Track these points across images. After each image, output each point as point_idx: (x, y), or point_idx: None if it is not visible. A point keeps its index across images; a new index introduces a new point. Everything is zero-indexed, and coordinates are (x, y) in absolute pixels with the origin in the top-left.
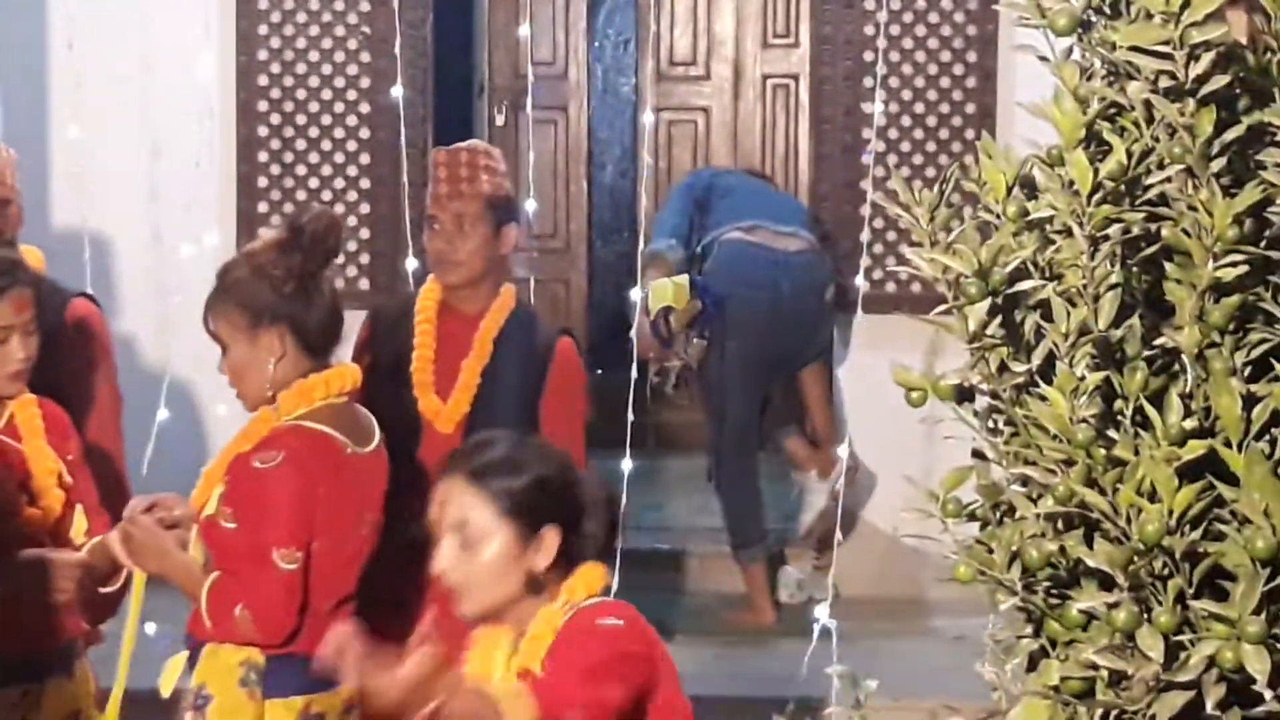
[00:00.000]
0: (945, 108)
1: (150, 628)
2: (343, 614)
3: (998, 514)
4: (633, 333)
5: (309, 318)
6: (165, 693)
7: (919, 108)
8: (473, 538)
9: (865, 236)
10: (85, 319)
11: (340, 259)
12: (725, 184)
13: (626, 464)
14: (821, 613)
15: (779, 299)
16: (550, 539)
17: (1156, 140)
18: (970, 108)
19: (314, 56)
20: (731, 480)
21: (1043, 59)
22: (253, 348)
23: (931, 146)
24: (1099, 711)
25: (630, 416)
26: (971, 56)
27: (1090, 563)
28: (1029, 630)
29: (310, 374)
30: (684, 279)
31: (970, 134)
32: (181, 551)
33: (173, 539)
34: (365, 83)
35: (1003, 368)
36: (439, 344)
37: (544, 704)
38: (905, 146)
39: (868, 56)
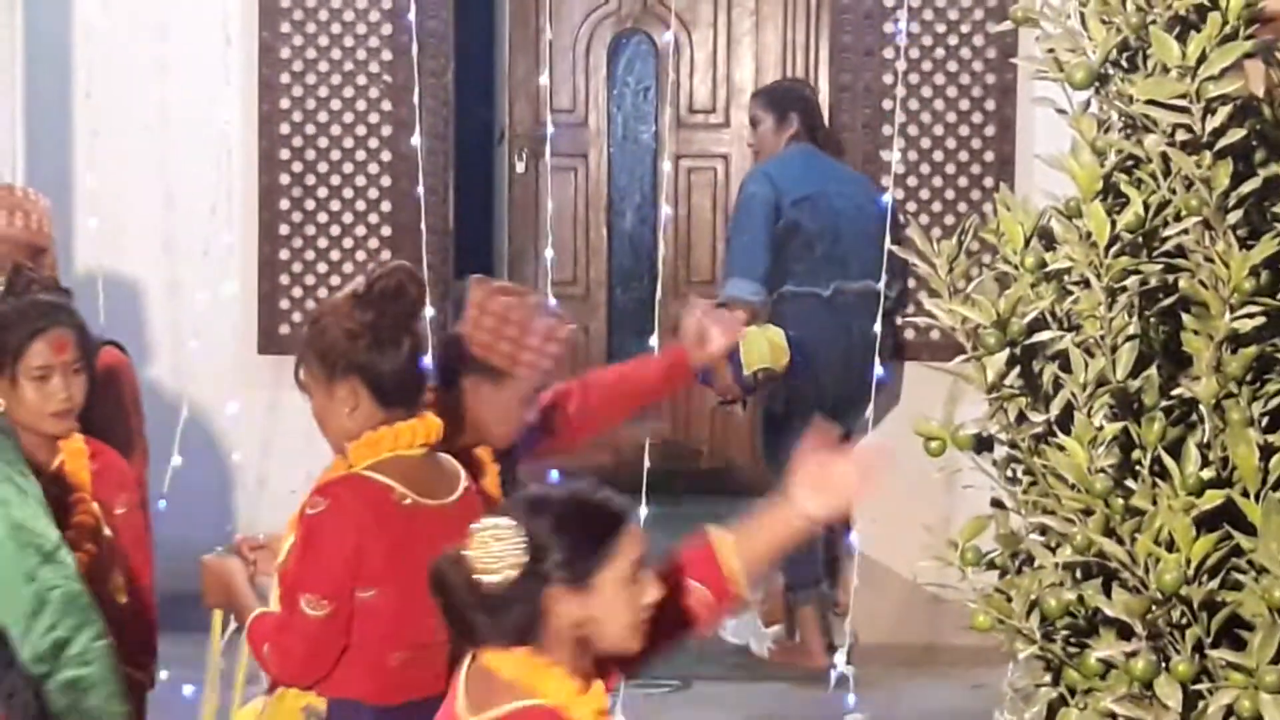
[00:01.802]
0: (964, 156)
1: (163, 674)
2: (422, 664)
3: (1016, 563)
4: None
5: (382, 370)
6: None
7: (938, 155)
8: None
9: (882, 283)
10: (114, 368)
11: None
12: (807, 230)
13: (644, 510)
14: (839, 658)
15: (851, 343)
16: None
17: (1174, 192)
18: (989, 156)
19: (336, 105)
20: None
21: (1060, 112)
22: (329, 399)
23: (950, 194)
24: None
25: (647, 463)
26: (990, 105)
27: (1108, 612)
28: (1047, 679)
29: (382, 425)
30: (780, 337)
31: (989, 182)
32: (249, 590)
33: (243, 576)
34: (386, 131)
35: (1021, 417)
36: None
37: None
38: (924, 194)
39: (886, 104)
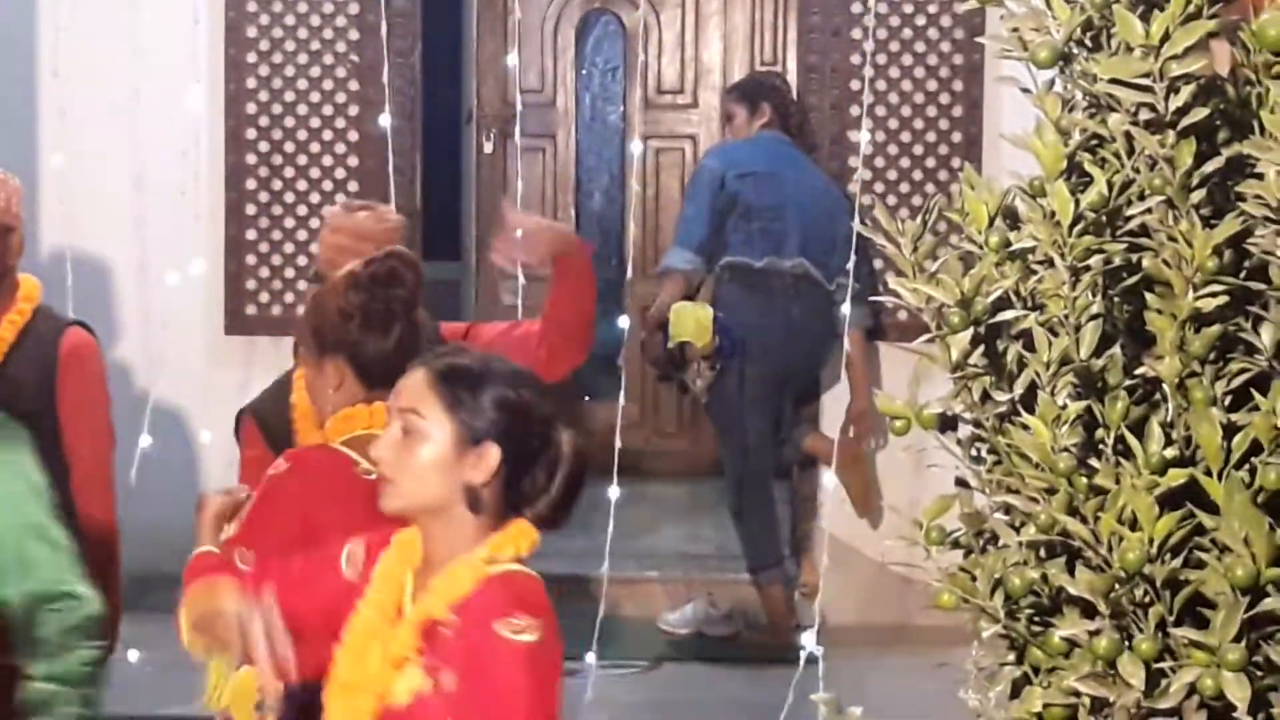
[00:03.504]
0: (932, 136)
1: (133, 654)
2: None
3: (981, 542)
4: (620, 361)
5: (368, 352)
6: (217, 710)
7: (905, 136)
8: (415, 428)
9: (850, 264)
10: (79, 349)
11: None
12: (748, 201)
13: (614, 491)
14: (808, 639)
15: (791, 323)
16: (490, 455)
17: (1137, 172)
18: (956, 136)
19: (302, 84)
20: (747, 503)
21: (1025, 91)
22: (318, 374)
23: (918, 175)
24: None
25: (618, 444)
26: (958, 86)
27: (1072, 590)
28: (1012, 658)
29: (362, 404)
30: (707, 313)
31: (956, 162)
32: (209, 531)
33: (212, 515)
34: (354, 111)
35: (985, 397)
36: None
37: None
38: (892, 175)
39: (854, 85)
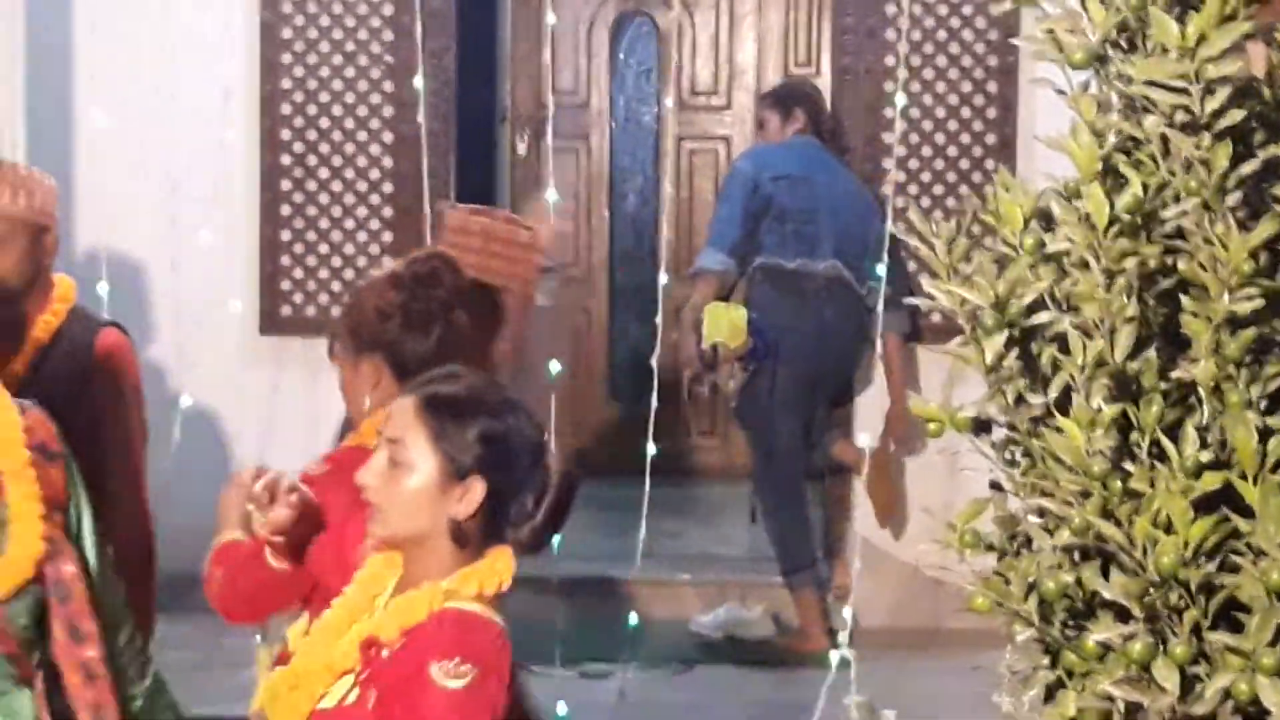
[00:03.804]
0: (966, 138)
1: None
2: None
3: (1015, 545)
4: (652, 362)
5: (406, 352)
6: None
7: (940, 138)
8: (402, 459)
9: (884, 267)
10: (114, 350)
11: None
12: (782, 203)
13: (646, 492)
14: (840, 642)
15: (823, 326)
16: (476, 490)
17: (1173, 174)
18: (991, 138)
19: (337, 85)
20: (779, 506)
21: (1060, 92)
22: (355, 373)
23: (952, 177)
24: None
25: (651, 447)
26: (992, 87)
27: (1106, 594)
28: (1046, 661)
29: None
30: (741, 315)
31: (991, 164)
32: (232, 518)
33: (237, 505)
34: (389, 112)
35: (1020, 400)
36: None
37: None
38: (926, 177)
39: (888, 87)
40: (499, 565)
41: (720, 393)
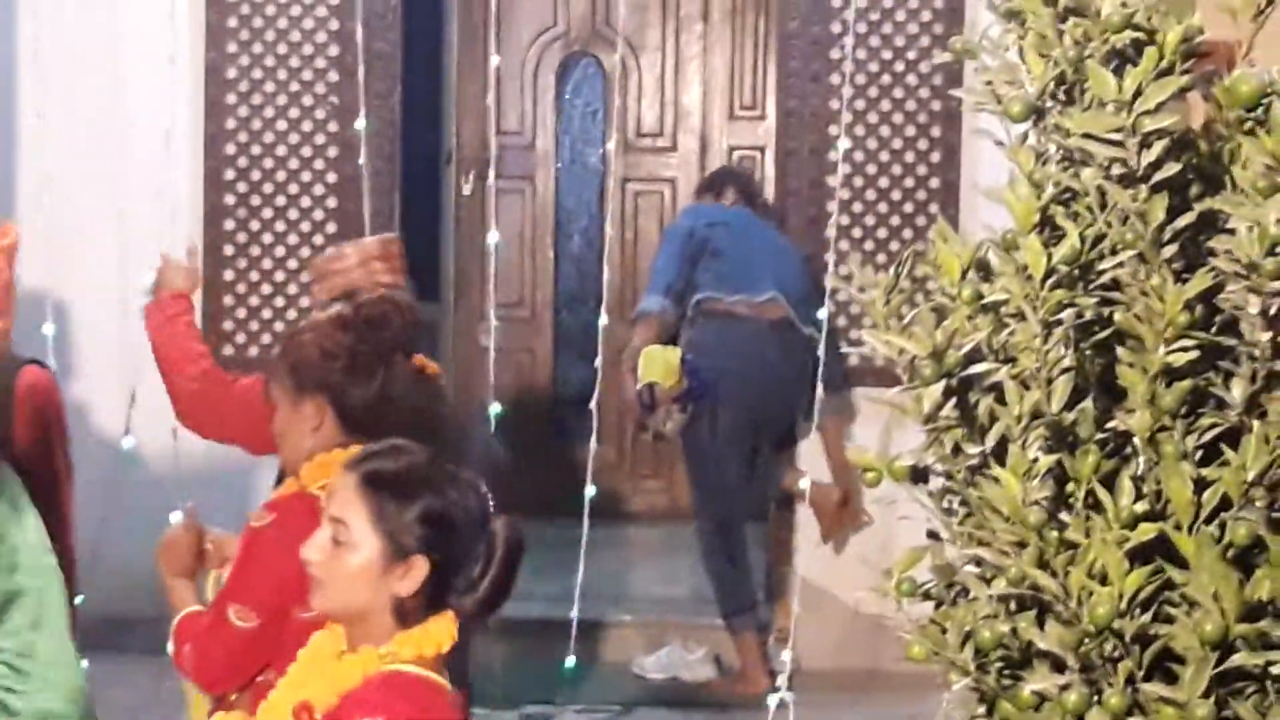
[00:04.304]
0: (910, 182)
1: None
2: None
3: (952, 594)
4: (592, 404)
5: (352, 396)
6: None
7: (884, 182)
8: (344, 539)
9: (826, 311)
10: (35, 386)
11: None
12: (717, 245)
13: (585, 534)
14: (780, 685)
15: (767, 368)
16: (418, 569)
17: (1110, 226)
18: (934, 182)
19: (281, 126)
20: (719, 548)
21: (999, 144)
22: (294, 413)
23: (895, 220)
24: None
25: (590, 489)
26: (936, 132)
27: (1042, 644)
28: (981, 710)
29: (338, 449)
30: (675, 354)
31: (934, 208)
32: (188, 586)
33: (192, 566)
34: (333, 152)
35: (957, 449)
36: None
37: None
38: (870, 220)
39: (833, 130)
40: (438, 629)
41: (663, 437)
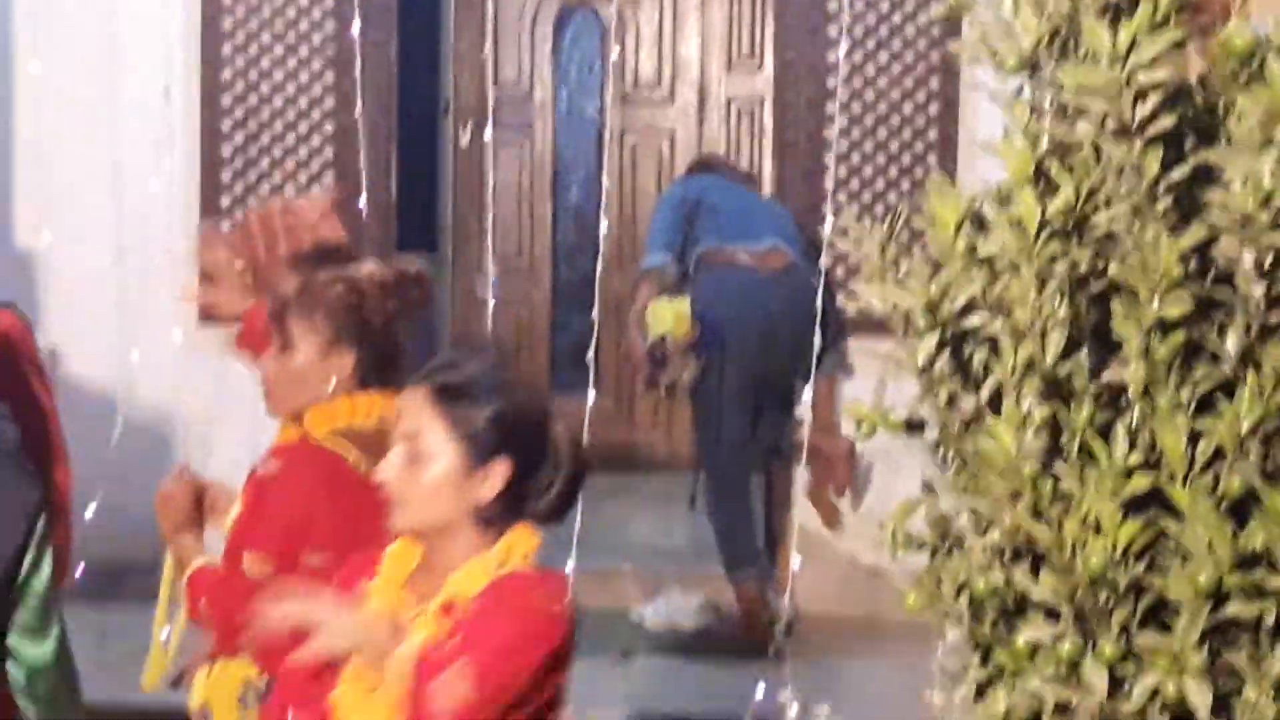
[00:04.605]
0: (908, 134)
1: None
2: None
3: (946, 545)
4: (590, 355)
5: (375, 354)
6: (193, 707)
7: (881, 133)
8: (420, 453)
9: (825, 262)
10: (9, 331)
11: None
12: (711, 201)
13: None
14: (778, 634)
15: (771, 317)
16: (498, 472)
17: (1104, 179)
18: (932, 134)
19: (278, 76)
20: (723, 499)
21: (994, 97)
22: (322, 361)
23: (894, 172)
24: None
25: (586, 437)
26: (934, 84)
27: (1036, 595)
28: (976, 660)
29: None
30: (684, 304)
31: (933, 160)
32: (194, 537)
33: (195, 518)
34: (329, 103)
35: (951, 401)
36: None
37: (430, 668)
38: (868, 172)
39: (830, 82)
40: (526, 535)
41: (675, 392)
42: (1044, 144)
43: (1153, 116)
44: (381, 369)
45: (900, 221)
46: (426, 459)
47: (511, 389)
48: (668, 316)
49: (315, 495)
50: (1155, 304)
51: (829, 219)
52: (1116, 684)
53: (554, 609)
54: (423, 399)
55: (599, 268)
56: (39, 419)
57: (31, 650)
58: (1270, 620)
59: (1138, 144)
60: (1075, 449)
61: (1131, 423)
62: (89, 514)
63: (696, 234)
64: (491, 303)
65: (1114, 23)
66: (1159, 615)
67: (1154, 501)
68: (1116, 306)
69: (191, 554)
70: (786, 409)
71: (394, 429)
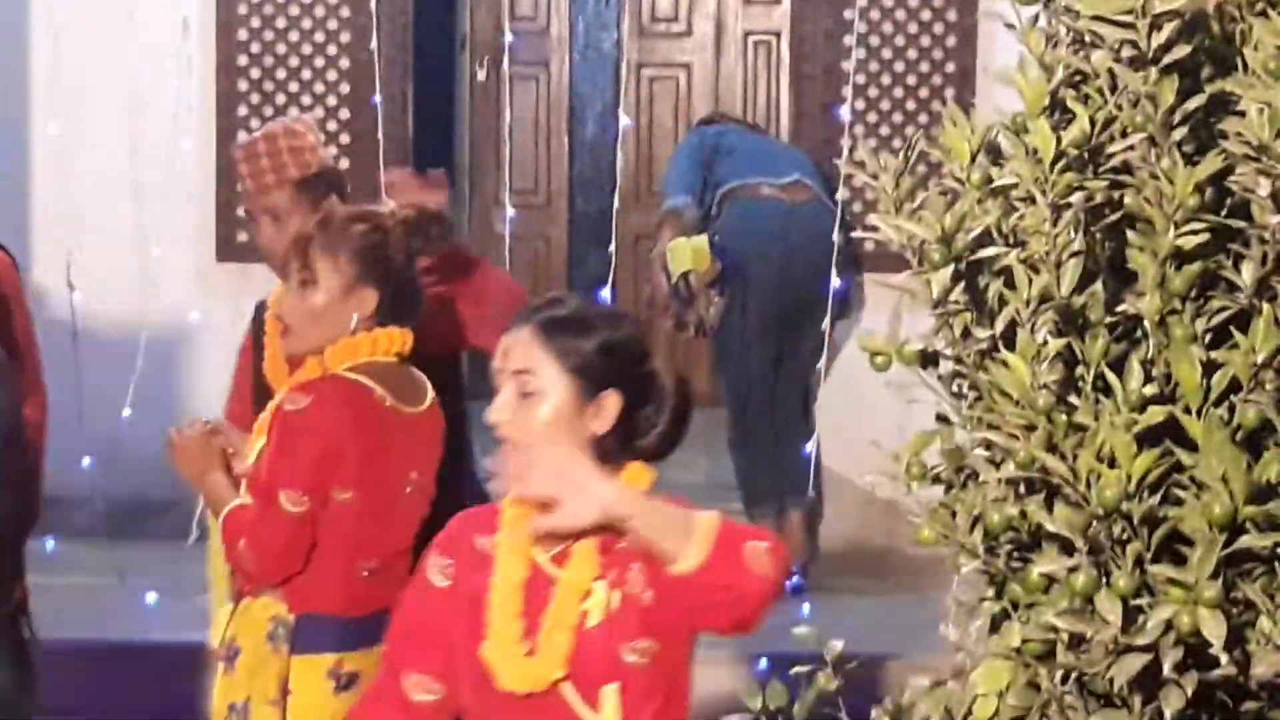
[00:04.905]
0: (925, 66)
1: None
2: (392, 576)
3: (961, 478)
4: (606, 290)
5: (396, 294)
6: (213, 645)
7: (899, 66)
8: (531, 389)
9: (842, 195)
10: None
11: None
12: (728, 143)
13: None
14: (794, 570)
15: (791, 250)
16: (611, 403)
17: (1120, 108)
18: (950, 67)
19: (294, 10)
20: (746, 437)
21: (1009, 26)
22: (346, 297)
23: (911, 105)
24: (1059, 673)
25: None
26: (951, 16)
27: (1050, 527)
28: (991, 593)
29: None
30: (703, 241)
31: (950, 93)
32: (223, 476)
33: (220, 460)
34: (345, 38)
35: (966, 333)
36: None
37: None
38: (885, 105)
39: (848, 14)
40: (643, 473)
41: (702, 331)
42: (1060, 73)
43: (1169, 45)
44: (399, 307)
45: (915, 153)
46: (538, 395)
47: (616, 321)
48: (687, 253)
49: (345, 428)
50: (1170, 234)
51: (845, 153)
52: (1131, 616)
53: None
54: (530, 335)
55: (616, 203)
56: (14, 353)
57: None
58: None
59: (1153, 73)
60: (1090, 381)
61: (1146, 354)
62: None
63: (718, 176)
64: (508, 238)
65: None
66: (1173, 547)
67: (1168, 433)
68: (1132, 237)
69: (226, 494)
70: (808, 344)
71: (499, 369)
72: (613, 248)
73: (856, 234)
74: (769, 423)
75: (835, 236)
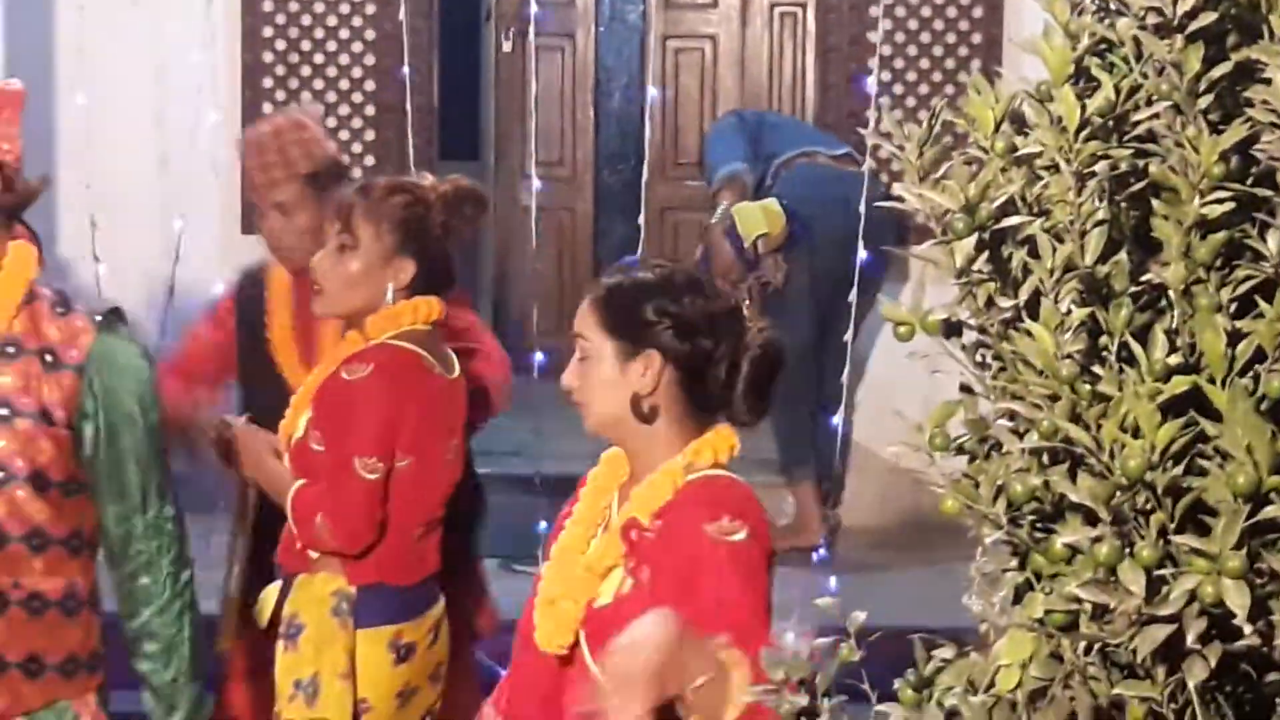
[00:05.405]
0: (952, 38)
1: None
2: (432, 542)
3: (985, 448)
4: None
5: (431, 266)
6: (262, 623)
7: (925, 37)
8: (585, 351)
9: (869, 166)
10: None
11: None
12: (771, 120)
13: None
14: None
15: (850, 214)
16: (653, 363)
17: (1145, 77)
18: (976, 38)
19: None
20: (785, 400)
21: None
22: (384, 267)
23: (938, 77)
24: (1082, 644)
25: None
26: None
27: (1073, 497)
28: (1014, 564)
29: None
30: (773, 203)
31: (976, 64)
32: (276, 459)
33: (268, 445)
34: (371, 9)
35: (990, 303)
36: (297, 312)
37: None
38: (911, 76)
39: None
40: (723, 435)
41: (767, 290)
42: (1084, 41)
43: (1194, 12)
44: (433, 279)
45: (939, 121)
46: (591, 359)
47: (677, 288)
48: (759, 216)
49: (405, 395)
50: (1196, 203)
51: (871, 124)
52: (1154, 587)
53: (747, 536)
54: (588, 303)
55: (645, 174)
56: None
57: None
58: None
59: (1179, 40)
60: (1114, 351)
61: (1171, 324)
62: None
63: (769, 148)
64: (534, 210)
65: None
66: (1197, 518)
67: (1193, 403)
68: (1157, 206)
69: (287, 476)
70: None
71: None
72: (641, 219)
73: (878, 204)
74: (808, 389)
75: (860, 207)
